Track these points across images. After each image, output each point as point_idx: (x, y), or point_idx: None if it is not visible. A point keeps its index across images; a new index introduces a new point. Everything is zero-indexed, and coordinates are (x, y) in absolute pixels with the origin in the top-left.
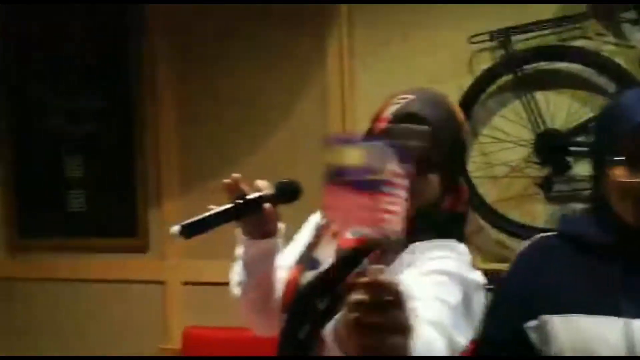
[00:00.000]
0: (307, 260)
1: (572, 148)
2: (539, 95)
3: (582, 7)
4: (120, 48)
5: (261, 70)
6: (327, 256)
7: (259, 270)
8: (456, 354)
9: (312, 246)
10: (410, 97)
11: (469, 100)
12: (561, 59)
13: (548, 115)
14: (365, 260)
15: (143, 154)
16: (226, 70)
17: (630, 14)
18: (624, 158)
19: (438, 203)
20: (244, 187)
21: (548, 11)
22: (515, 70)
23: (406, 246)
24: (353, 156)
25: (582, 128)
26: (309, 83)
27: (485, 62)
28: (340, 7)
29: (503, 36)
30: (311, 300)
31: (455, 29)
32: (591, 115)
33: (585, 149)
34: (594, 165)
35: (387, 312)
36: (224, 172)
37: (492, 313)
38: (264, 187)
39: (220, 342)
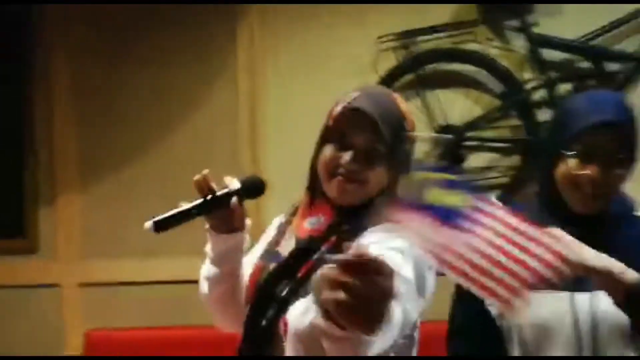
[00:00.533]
0: (269, 255)
1: (466, 142)
2: (437, 94)
3: (474, 14)
4: (14, 40)
5: (168, 61)
6: (287, 250)
7: (227, 265)
8: (407, 326)
9: (274, 243)
10: (357, 94)
11: None
12: (456, 61)
13: (445, 112)
14: (323, 248)
15: (33, 150)
16: (130, 62)
17: (514, 22)
18: (576, 152)
19: (386, 191)
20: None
21: (444, 16)
22: (416, 70)
23: (360, 233)
24: (457, 199)
25: (474, 124)
26: (218, 74)
27: (388, 62)
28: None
29: (406, 38)
30: (272, 288)
31: (360, 29)
32: (482, 112)
33: (477, 143)
34: (546, 157)
35: (374, 279)
36: (125, 167)
37: (459, 297)
38: (231, 183)
39: (125, 344)
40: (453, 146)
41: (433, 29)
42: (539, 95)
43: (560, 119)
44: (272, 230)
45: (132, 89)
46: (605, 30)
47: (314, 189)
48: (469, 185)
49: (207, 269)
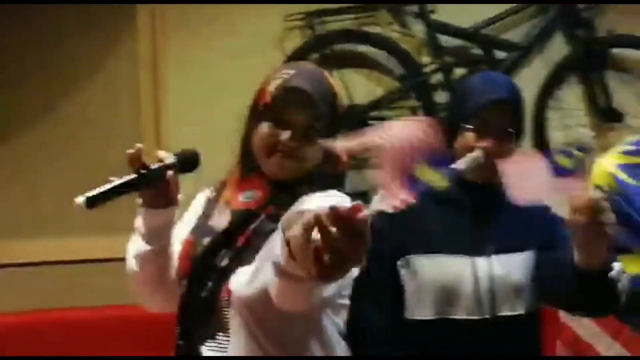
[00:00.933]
0: (201, 230)
1: (370, 122)
2: (342, 74)
3: None
4: None
5: (66, 29)
6: (221, 223)
7: (160, 241)
8: (347, 286)
9: (205, 217)
10: (291, 71)
11: None
12: (360, 42)
13: (350, 91)
14: (262, 216)
15: None
16: (24, 30)
17: (414, 8)
18: (473, 127)
19: (321, 165)
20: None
21: None
22: (321, 50)
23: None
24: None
25: (377, 104)
26: (118, 51)
27: (294, 40)
28: None
29: (311, 18)
30: (210, 260)
31: (266, 6)
32: (383, 93)
33: (380, 122)
34: (449, 126)
35: (355, 238)
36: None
37: (373, 254)
38: (165, 157)
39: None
40: (358, 124)
41: (337, 11)
42: (436, 78)
43: (459, 97)
44: (198, 206)
45: (31, 61)
46: (495, 19)
47: (246, 164)
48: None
49: (137, 246)
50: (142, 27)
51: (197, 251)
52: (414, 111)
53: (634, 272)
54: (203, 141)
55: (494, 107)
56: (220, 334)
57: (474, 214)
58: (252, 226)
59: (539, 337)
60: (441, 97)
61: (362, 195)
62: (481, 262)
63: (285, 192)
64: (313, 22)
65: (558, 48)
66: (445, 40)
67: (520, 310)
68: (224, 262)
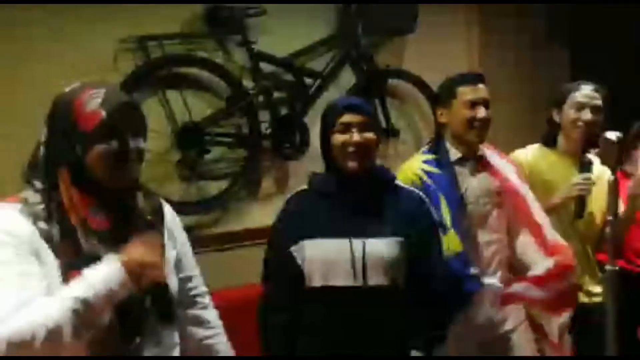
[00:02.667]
0: (81, 262)
1: (206, 137)
2: (178, 94)
3: (203, 27)
4: None
5: None
6: (97, 249)
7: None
8: None
9: (73, 251)
10: (107, 88)
11: None
12: (193, 66)
13: (184, 110)
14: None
15: None
16: None
17: (237, 38)
18: (340, 127)
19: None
20: None
21: (177, 26)
22: (156, 72)
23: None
24: None
25: (211, 121)
26: None
27: (127, 61)
28: None
29: (144, 42)
30: None
31: (100, 31)
32: (214, 111)
33: (213, 137)
34: (322, 134)
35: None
36: None
37: (272, 243)
38: None
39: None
40: (197, 141)
41: (169, 36)
42: (258, 99)
43: (322, 116)
44: (37, 240)
45: None
46: (304, 51)
47: (80, 182)
48: None
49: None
50: None
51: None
52: (239, 128)
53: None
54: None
55: (350, 109)
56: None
57: (353, 203)
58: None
59: (404, 305)
60: (264, 116)
61: None
62: (356, 242)
63: (122, 197)
64: (147, 46)
65: (348, 77)
66: (265, 67)
67: (387, 282)
68: None
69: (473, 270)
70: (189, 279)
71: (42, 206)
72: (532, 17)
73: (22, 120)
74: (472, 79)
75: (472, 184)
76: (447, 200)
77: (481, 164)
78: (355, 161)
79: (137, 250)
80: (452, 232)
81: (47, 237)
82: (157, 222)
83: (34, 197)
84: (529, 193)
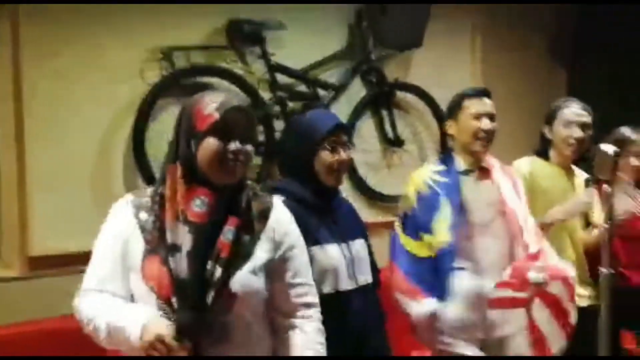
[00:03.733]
0: (161, 249)
1: None
2: None
3: (224, 40)
4: None
5: None
6: (181, 239)
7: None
8: None
9: (157, 236)
10: (224, 96)
11: (149, 103)
12: (215, 76)
13: None
14: (226, 228)
15: None
16: None
17: (256, 50)
18: (327, 145)
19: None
20: None
21: (200, 38)
22: (181, 82)
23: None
24: None
25: None
26: None
27: (154, 70)
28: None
29: (171, 52)
30: (199, 274)
31: (129, 41)
32: None
33: None
34: (301, 148)
35: None
36: None
37: None
38: None
39: None
40: None
41: (191, 48)
42: (275, 109)
43: (304, 129)
44: (122, 223)
45: None
46: (318, 64)
47: (190, 177)
48: None
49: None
50: (4, 55)
51: (177, 270)
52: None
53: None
54: (68, 165)
55: (337, 129)
56: (226, 333)
57: (330, 213)
58: (223, 238)
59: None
60: (279, 125)
61: None
62: (344, 247)
63: (228, 196)
64: (173, 56)
65: (358, 89)
66: (280, 78)
67: (370, 280)
68: (218, 273)
69: (461, 264)
70: (292, 286)
71: (147, 198)
72: (534, 34)
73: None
74: (478, 93)
75: (476, 192)
76: (451, 205)
77: (486, 174)
78: (338, 178)
79: (159, 327)
80: (438, 224)
81: (142, 226)
82: (257, 223)
83: (145, 190)
84: (521, 210)
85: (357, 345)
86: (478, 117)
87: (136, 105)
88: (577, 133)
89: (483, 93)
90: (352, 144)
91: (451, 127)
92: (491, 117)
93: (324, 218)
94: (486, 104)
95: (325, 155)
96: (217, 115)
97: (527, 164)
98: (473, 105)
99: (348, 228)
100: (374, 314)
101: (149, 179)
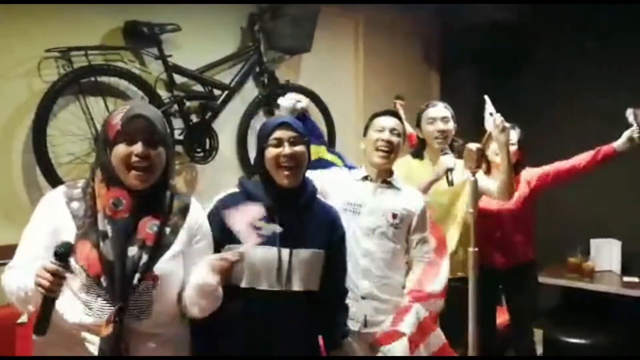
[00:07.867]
0: (92, 234)
1: None
2: (94, 100)
3: (121, 41)
4: None
5: None
6: (109, 229)
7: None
8: None
9: (89, 223)
10: (130, 105)
11: (50, 101)
12: (111, 75)
13: (104, 116)
14: (148, 218)
15: None
16: None
17: (153, 51)
18: (271, 142)
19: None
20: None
21: (97, 39)
22: (79, 80)
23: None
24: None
25: None
26: None
27: (52, 69)
28: None
29: (69, 52)
30: (123, 256)
31: (28, 39)
32: None
33: None
34: (257, 149)
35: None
36: None
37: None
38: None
39: None
40: None
41: (91, 48)
42: (172, 108)
43: (259, 133)
44: (51, 209)
45: None
46: (213, 65)
47: (109, 181)
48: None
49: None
50: None
51: (106, 254)
52: None
53: None
54: None
55: (282, 126)
56: (148, 309)
57: (282, 213)
58: (149, 230)
59: (317, 308)
60: (177, 123)
61: None
62: (284, 252)
63: (149, 195)
64: (71, 56)
65: (251, 89)
66: (177, 78)
67: (306, 288)
68: (144, 259)
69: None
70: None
71: (79, 190)
72: (411, 41)
73: None
74: (384, 113)
75: (371, 199)
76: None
77: (386, 184)
78: (287, 177)
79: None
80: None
81: (74, 214)
82: (177, 218)
83: (75, 183)
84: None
85: (262, 347)
86: (380, 131)
87: (34, 104)
88: (440, 126)
89: (389, 113)
90: (304, 140)
91: (363, 142)
92: (393, 131)
93: (272, 217)
94: (389, 120)
95: (270, 151)
96: (120, 124)
97: (403, 165)
98: (378, 122)
99: (302, 236)
100: (289, 322)
101: (51, 177)
